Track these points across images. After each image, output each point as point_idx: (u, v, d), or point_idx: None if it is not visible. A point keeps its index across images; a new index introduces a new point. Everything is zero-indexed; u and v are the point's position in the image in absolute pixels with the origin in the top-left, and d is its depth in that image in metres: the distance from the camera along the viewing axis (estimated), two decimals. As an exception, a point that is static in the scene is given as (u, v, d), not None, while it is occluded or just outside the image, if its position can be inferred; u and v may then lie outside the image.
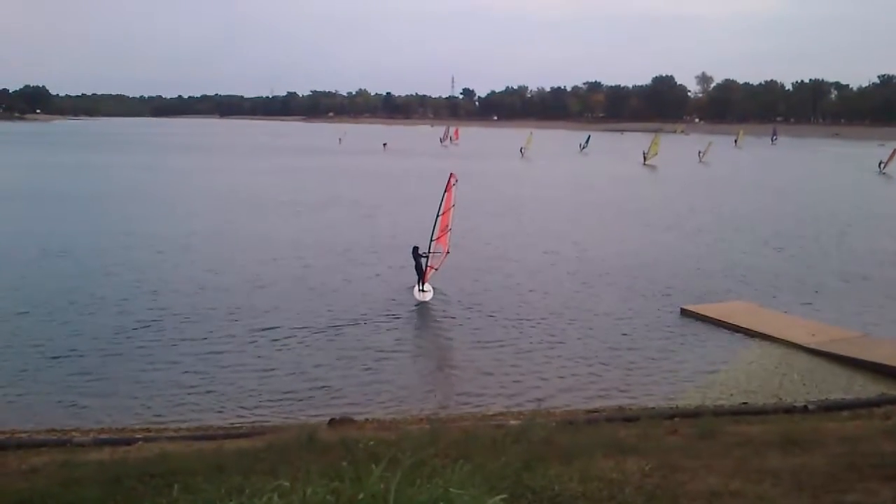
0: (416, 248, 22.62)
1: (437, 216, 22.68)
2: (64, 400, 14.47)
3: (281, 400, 14.64)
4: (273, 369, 16.23)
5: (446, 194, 22.79)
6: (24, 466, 9.70)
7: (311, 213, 40.32)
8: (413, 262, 22.61)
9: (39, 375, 15.63)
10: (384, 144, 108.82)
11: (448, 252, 23.28)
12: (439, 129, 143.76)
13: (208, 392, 14.93)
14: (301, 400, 14.67)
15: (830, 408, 13.28)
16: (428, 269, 22.63)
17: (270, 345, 17.80)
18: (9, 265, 25.77)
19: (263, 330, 18.86)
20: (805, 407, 13.08)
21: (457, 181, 23.39)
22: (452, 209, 23.21)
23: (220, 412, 14.02)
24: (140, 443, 11.53)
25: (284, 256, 27.93)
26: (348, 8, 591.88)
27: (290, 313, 20.36)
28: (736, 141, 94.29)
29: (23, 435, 12.30)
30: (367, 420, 12.96)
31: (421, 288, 22.51)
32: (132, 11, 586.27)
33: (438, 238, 22.63)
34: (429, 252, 22.44)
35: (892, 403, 13.55)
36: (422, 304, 21.98)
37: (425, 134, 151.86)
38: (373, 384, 15.54)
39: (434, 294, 22.52)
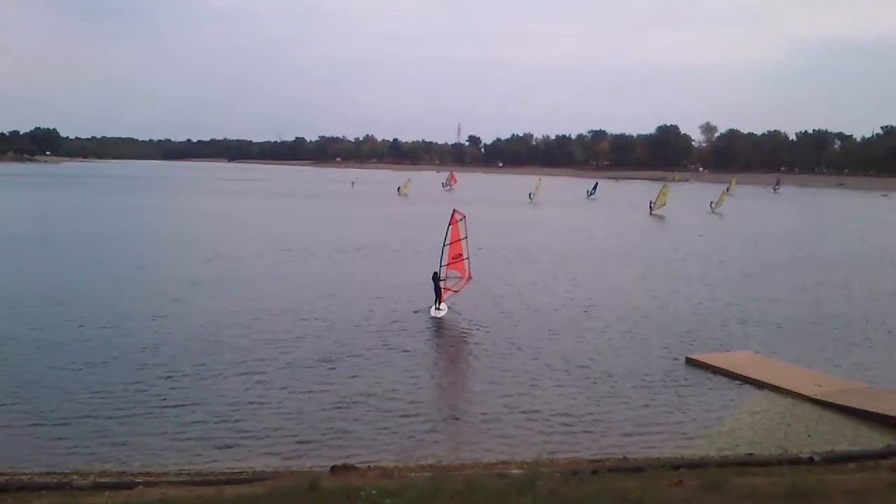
0: (435, 274, 26.22)
1: (444, 245, 26.47)
2: (64, 442, 14.42)
3: (283, 445, 14.56)
4: (276, 414, 16.16)
5: (451, 227, 26.61)
6: (24, 510, 9.66)
7: (320, 258, 40.49)
8: (433, 285, 26.06)
9: (41, 418, 15.58)
10: (398, 189, 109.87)
11: (470, 278, 27.28)
12: (444, 175, 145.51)
13: (210, 436, 14.85)
14: (303, 446, 14.59)
15: (836, 460, 13.14)
16: (444, 290, 26.14)
17: (273, 390, 17.74)
18: (16, 306, 25.83)
19: (266, 375, 18.83)
20: (811, 459, 12.95)
21: (463, 217, 26.86)
22: (464, 241, 27.07)
23: (221, 457, 13.93)
24: (140, 487, 11.47)
25: (290, 302, 27.93)
26: (356, 56, 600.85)
27: (294, 358, 20.34)
28: (728, 189, 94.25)
29: (23, 477, 12.26)
30: (369, 467, 12.85)
31: (437, 307, 25.86)
32: (142, 56, 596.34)
33: (450, 264, 26.51)
34: (440, 276, 26.04)
35: (899, 456, 13.41)
36: (431, 338, 23.82)
37: (431, 180, 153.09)
38: (376, 430, 15.45)
39: (447, 313, 25.78)
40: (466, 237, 27.17)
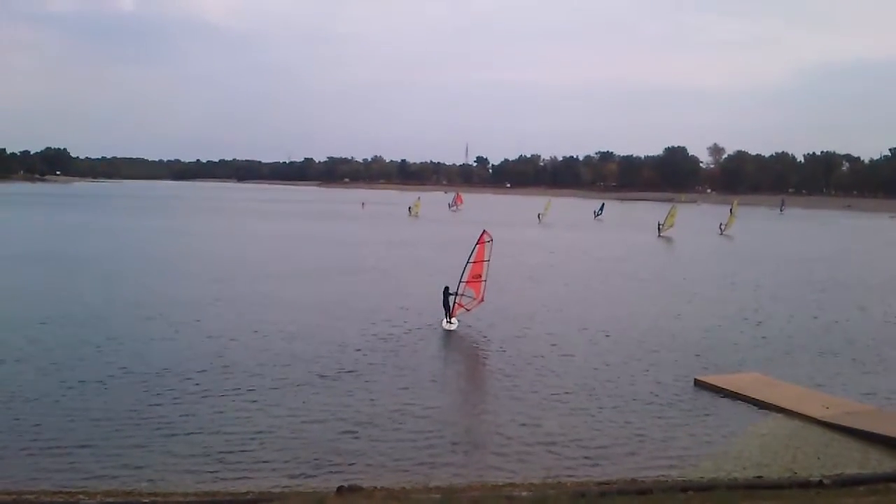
0: (447, 288, 26.94)
1: (468, 262, 27.02)
2: (71, 461, 14.42)
3: (289, 466, 14.52)
4: (282, 435, 16.13)
5: (478, 247, 27.27)
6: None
7: (331, 279, 40.60)
8: (442, 299, 26.87)
9: (47, 436, 15.61)
10: (409, 209, 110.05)
11: (482, 300, 27.74)
12: (451, 196, 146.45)
13: (217, 457, 14.82)
14: (309, 466, 14.54)
15: (846, 483, 13.07)
16: (456, 305, 26.89)
17: (280, 410, 17.73)
18: (25, 326, 25.95)
19: (273, 395, 18.84)
20: (820, 482, 12.88)
21: (491, 239, 27.46)
22: (486, 263, 27.56)
23: (228, 478, 13.87)
24: (147, 507, 11.47)
25: (299, 323, 27.95)
26: (366, 79, 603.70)
27: (301, 379, 20.35)
28: (731, 210, 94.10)
29: (30, 496, 12.26)
30: (375, 488, 12.82)
31: (448, 320, 26.81)
32: (153, 78, 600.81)
33: (469, 283, 27.08)
34: (458, 291, 26.80)
35: (909, 480, 13.31)
36: (440, 359, 23.78)
37: (439, 200, 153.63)
38: (382, 451, 15.40)
39: (458, 330, 26.59)
40: (489, 260, 27.71)
